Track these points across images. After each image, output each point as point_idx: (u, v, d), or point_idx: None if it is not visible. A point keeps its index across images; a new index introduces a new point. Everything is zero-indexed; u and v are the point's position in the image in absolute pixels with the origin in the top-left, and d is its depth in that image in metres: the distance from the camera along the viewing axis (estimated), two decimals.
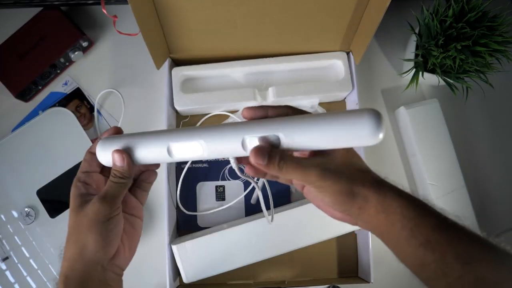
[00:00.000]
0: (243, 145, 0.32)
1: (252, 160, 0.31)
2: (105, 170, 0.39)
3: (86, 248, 0.34)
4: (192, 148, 0.34)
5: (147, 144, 0.36)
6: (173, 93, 0.65)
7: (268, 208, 0.65)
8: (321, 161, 0.32)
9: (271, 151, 0.31)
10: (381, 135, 0.29)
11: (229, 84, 0.68)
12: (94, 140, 0.68)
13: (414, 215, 0.31)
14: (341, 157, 0.33)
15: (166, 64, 0.65)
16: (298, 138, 0.31)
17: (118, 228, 0.36)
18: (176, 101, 0.64)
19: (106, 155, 0.37)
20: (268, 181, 0.66)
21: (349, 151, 0.34)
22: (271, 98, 0.65)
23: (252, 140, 0.32)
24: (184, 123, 0.68)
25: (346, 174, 0.32)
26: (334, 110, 0.70)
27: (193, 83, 0.68)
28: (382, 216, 0.32)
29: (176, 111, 0.68)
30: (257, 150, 0.31)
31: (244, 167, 0.36)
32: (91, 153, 0.38)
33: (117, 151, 0.36)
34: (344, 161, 0.33)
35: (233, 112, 0.67)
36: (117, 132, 0.38)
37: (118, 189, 0.36)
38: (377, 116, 0.29)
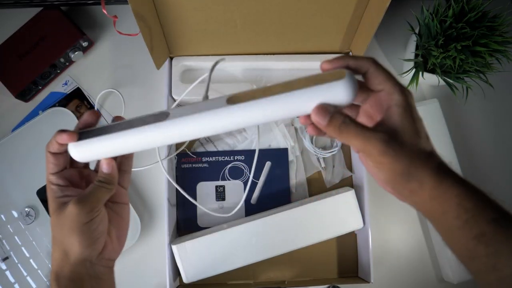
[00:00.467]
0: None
1: (313, 117, 0.31)
2: (75, 162, 0.37)
3: (71, 250, 0.34)
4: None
5: (128, 140, 0.34)
6: (171, 82, 0.65)
7: (268, 208, 0.65)
8: (385, 135, 0.30)
9: (334, 112, 0.30)
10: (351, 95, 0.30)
11: (228, 77, 0.68)
12: None
13: (472, 206, 0.30)
14: (408, 134, 0.31)
15: (166, 64, 0.65)
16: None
17: (102, 225, 0.35)
18: (174, 90, 0.65)
19: (81, 153, 0.35)
20: (268, 181, 0.66)
21: (418, 129, 0.32)
22: None
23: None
24: None
25: (407, 153, 0.31)
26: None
27: (192, 74, 0.68)
28: (436, 203, 0.31)
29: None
30: (320, 108, 0.30)
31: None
32: (52, 153, 0.35)
33: (106, 159, 0.35)
34: (410, 138, 0.31)
35: None
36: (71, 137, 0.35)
37: (102, 194, 0.35)
38: (351, 76, 0.31)
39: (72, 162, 0.37)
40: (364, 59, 0.33)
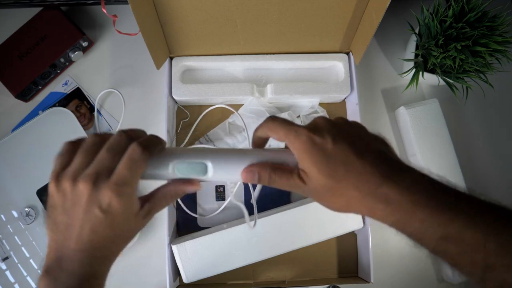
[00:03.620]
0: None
1: (244, 180, 0.34)
2: None
3: (117, 252, 0.35)
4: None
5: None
6: (172, 82, 0.65)
7: (268, 208, 0.65)
8: (300, 182, 0.33)
9: (261, 169, 0.33)
10: None
11: (228, 77, 0.69)
12: None
13: (410, 232, 0.31)
14: (315, 176, 0.31)
15: (166, 64, 0.65)
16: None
17: None
18: (174, 91, 0.65)
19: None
20: None
21: (322, 168, 0.31)
22: (269, 95, 0.66)
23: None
24: (183, 123, 0.69)
25: (328, 201, 0.33)
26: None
27: (192, 74, 0.69)
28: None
29: (176, 111, 0.69)
30: (247, 172, 0.34)
31: None
32: (145, 161, 0.32)
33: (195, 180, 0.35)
34: (319, 180, 0.31)
35: (231, 106, 0.67)
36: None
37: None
38: None
39: None
40: (258, 129, 0.35)
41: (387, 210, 0.30)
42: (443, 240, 0.29)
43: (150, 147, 0.33)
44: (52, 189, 0.32)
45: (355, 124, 0.34)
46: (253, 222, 0.59)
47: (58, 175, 0.32)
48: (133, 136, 0.33)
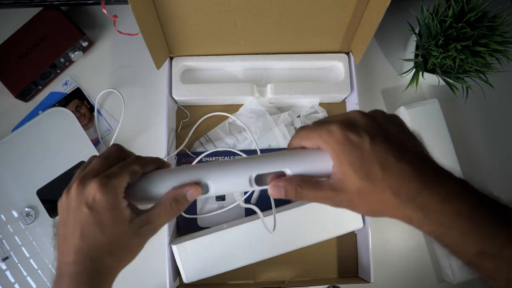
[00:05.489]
0: (250, 182, 0.34)
1: (271, 195, 0.33)
2: None
3: (123, 260, 0.35)
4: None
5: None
6: (172, 82, 0.65)
7: (268, 208, 0.65)
8: (330, 192, 0.31)
9: (287, 184, 0.32)
10: None
11: (228, 77, 0.69)
12: (94, 140, 0.68)
13: (450, 242, 0.28)
14: (352, 180, 0.29)
15: (166, 64, 0.65)
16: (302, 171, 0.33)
17: None
18: (174, 91, 0.65)
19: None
20: None
21: (360, 170, 0.29)
22: (269, 95, 0.66)
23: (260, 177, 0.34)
24: (183, 123, 0.69)
25: (362, 206, 0.31)
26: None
27: (192, 74, 0.69)
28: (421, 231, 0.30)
29: (177, 111, 0.69)
30: (273, 187, 0.32)
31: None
32: (138, 171, 0.33)
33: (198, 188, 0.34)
34: (355, 185, 0.29)
35: (231, 106, 0.68)
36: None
37: (168, 219, 0.35)
38: None
39: None
40: (291, 143, 0.34)
41: (425, 220, 0.28)
42: (481, 255, 0.27)
43: (147, 162, 0.34)
44: (58, 206, 0.33)
45: (393, 119, 0.32)
46: (271, 224, 0.58)
47: (62, 194, 0.33)
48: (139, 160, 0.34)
